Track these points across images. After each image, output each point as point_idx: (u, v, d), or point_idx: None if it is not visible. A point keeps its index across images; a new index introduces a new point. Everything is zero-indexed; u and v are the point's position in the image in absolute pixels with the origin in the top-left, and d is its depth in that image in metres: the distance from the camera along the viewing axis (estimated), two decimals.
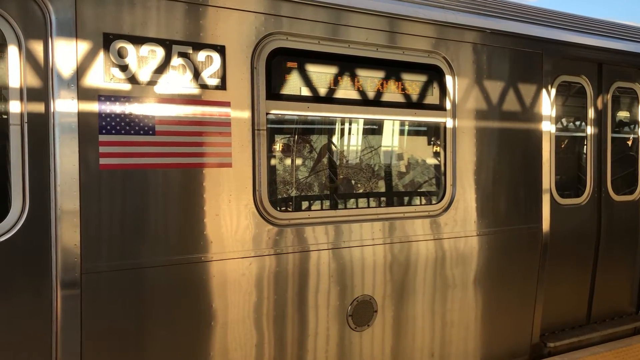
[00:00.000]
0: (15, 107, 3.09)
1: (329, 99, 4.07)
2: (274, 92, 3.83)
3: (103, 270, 3.28)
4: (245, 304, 3.72)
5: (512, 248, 4.90)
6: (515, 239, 4.92)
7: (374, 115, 4.47)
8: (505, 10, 5.06)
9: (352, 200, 5.46)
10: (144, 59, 3.35)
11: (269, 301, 3.80)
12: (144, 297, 3.42)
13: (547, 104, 5.04)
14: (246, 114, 3.66)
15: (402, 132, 5.87)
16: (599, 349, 5.28)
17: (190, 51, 3.48)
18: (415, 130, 5.70)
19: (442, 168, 4.57)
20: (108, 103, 3.26)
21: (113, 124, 3.26)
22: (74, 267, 3.19)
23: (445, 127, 4.53)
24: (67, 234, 3.16)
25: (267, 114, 3.77)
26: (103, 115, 3.24)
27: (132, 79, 3.32)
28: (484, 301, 4.75)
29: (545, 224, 5.04)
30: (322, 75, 4.03)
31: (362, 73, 4.17)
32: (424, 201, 5.32)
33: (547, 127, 5.06)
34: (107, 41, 3.25)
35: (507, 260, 4.87)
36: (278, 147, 5.64)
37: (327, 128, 5.82)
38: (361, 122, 5.69)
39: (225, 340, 3.67)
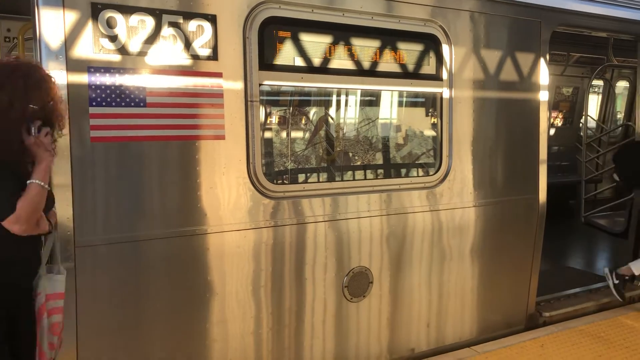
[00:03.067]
0: None
1: (323, 69, 4.00)
2: (266, 63, 3.76)
3: (97, 243, 3.27)
4: (241, 276, 3.72)
5: (509, 219, 4.90)
6: (512, 210, 4.91)
7: (370, 85, 4.41)
8: None
9: (349, 172, 5.44)
10: (133, 29, 3.28)
11: (266, 273, 3.81)
12: (139, 270, 3.41)
13: (545, 73, 4.98)
14: (239, 85, 3.61)
15: (398, 104, 5.82)
16: (595, 317, 5.32)
17: (181, 21, 3.41)
18: (412, 101, 5.64)
19: (439, 139, 4.53)
20: (98, 74, 3.20)
21: (103, 95, 3.20)
22: (68, 241, 3.18)
23: (441, 98, 4.47)
24: (60, 208, 3.13)
25: (260, 85, 3.71)
26: (93, 87, 3.19)
27: (122, 50, 3.26)
28: (480, 272, 4.76)
29: (542, 195, 5.02)
30: (316, 44, 3.96)
31: (357, 42, 4.10)
32: (420, 172, 5.30)
33: (545, 97, 5.01)
34: (95, 11, 3.18)
35: (504, 231, 4.87)
36: (273, 119, 5.59)
37: (322, 100, 5.76)
38: (357, 93, 5.62)
39: (222, 312, 3.68)
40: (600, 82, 10.98)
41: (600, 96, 11.27)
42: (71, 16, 3.13)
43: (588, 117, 8.93)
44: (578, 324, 5.14)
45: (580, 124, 10.76)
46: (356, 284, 4.15)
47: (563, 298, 5.65)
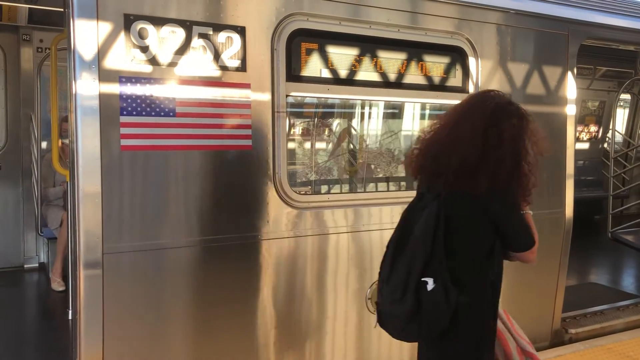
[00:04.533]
0: None
1: (349, 80, 4.01)
2: (294, 74, 3.79)
3: (124, 250, 3.31)
4: (264, 285, 3.73)
5: None
6: (537, 224, 4.81)
7: (396, 97, 4.42)
8: None
9: (372, 183, 5.44)
10: (164, 40, 3.34)
11: (288, 283, 3.81)
12: (165, 278, 3.44)
13: (573, 87, 4.93)
14: (266, 96, 3.64)
15: (422, 116, 5.81)
16: (622, 336, 5.20)
17: (211, 32, 3.46)
18: (437, 114, 5.62)
19: None
20: (129, 84, 3.26)
21: (134, 105, 3.26)
22: (96, 247, 3.22)
23: None
24: (89, 214, 3.19)
25: (287, 96, 3.74)
26: (124, 96, 3.24)
27: (153, 60, 3.32)
28: (504, 286, 4.68)
29: (569, 209, 4.95)
30: (342, 56, 3.98)
31: (383, 54, 4.11)
32: None
33: (572, 111, 4.95)
34: (127, 22, 3.24)
35: None
36: (298, 130, 5.62)
37: (348, 112, 5.78)
38: (382, 105, 5.63)
39: (244, 321, 3.69)
40: (627, 96, 10.83)
41: (627, 110, 11.10)
42: (104, 27, 3.19)
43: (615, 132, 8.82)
44: (605, 342, 5.03)
45: (607, 139, 10.62)
46: None
47: (589, 315, 5.54)
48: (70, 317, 5.10)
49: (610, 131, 8.58)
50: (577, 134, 10.41)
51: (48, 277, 6.54)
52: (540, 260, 4.81)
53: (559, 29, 4.82)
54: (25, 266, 7.27)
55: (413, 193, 4.42)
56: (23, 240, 7.29)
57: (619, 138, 10.43)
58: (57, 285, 6.22)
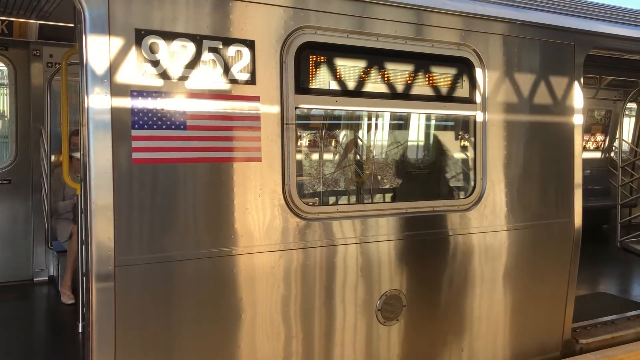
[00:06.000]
0: None
1: (357, 92, 4.04)
2: (302, 87, 3.82)
3: (136, 263, 3.32)
4: (273, 297, 3.74)
5: (543, 243, 4.83)
6: (546, 234, 4.84)
7: (403, 108, 4.45)
8: (536, 0, 4.96)
9: (380, 194, 5.45)
10: (175, 54, 3.38)
11: (297, 295, 3.81)
12: (175, 290, 3.46)
13: (579, 97, 4.94)
14: (275, 109, 3.67)
15: (430, 127, 5.84)
16: (633, 346, 5.17)
17: (221, 46, 3.50)
18: (444, 125, 5.65)
19: (472, 162, 4.52)
20: (140, 98, 3.29)
21: (145, 119, 3.29)
22: (108, 260, 3.24)
23: (475, 121, 4.47)
24: (102, 227, 3.22)
25: (295, 108, 3.78)
26: (135, 110, 3.28)
27: (164, 74, 3.35)
28: (514, 296, 4.69)
29: (578, 219, 4.95)
30: (350, 69, 4.02)
31: (390, 66, 4.14)
32: (452, 195, 5.28)
33: (579, 121, 4.97)
34: (139, 37, 3.28)
35: (538, 255, 4.80)
36: (306, 142, 5.65)
37: (358, 123, 5.80)
38: (392, 116, 5.67)
39: (253, 333, 3.69)
40: (634, 105, 10.84)
41: (633, 119, 11.10)
42: (116, 42, 3.24)
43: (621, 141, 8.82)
44: (617, 353, 5.00)
45: (614, 148, 10.61)
46: (389, 307, 4.13)
47: (600, 325, 5.51)
48: (80, 330, 5.13)
49: (617, 140, 8.57)
50: (584, 143, 10.41)
51: (57, 290, 6.57)
52: (550, 270, 4.85)
53: (565, 39, 4.85)
54: (35, 279, 7.30)
55: (419, 204, 4.44)
56: (33, 254, 7.33)
57: (625, 147, 10.42)
58: (66, 298, 6.24)
